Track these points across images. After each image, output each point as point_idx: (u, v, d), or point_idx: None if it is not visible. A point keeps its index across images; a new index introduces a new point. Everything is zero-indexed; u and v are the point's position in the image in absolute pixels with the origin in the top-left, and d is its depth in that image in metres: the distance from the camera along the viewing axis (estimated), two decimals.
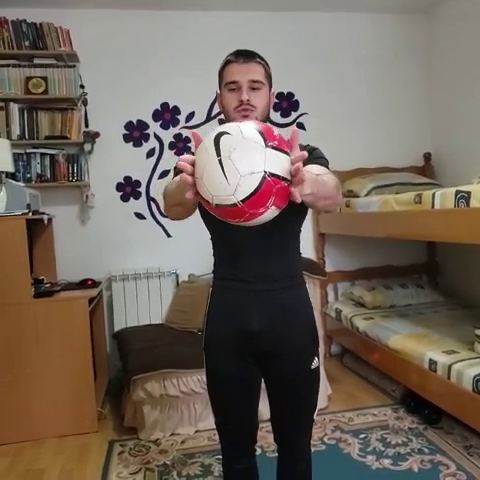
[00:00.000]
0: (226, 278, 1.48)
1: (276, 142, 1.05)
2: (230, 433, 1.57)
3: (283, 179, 1.04)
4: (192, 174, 1.09)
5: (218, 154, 1.03)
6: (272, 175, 1.02)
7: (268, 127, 1.09)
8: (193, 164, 1.09)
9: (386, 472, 2.30)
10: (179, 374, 2.73)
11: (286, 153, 1.06)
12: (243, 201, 1.03)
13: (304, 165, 1.07)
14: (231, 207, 1.04)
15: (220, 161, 1.03)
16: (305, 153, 1.05)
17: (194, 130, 1.15)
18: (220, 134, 1.06)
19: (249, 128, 1.06)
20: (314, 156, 1.43)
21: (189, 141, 3.70)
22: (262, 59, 1.44)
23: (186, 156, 1.11)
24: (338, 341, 3.98)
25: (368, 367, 3.42)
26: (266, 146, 1.03)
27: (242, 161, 1.02)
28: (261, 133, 1.05)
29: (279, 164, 1.04)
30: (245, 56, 1.40)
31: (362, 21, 4.01)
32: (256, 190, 1.02)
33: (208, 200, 1.07)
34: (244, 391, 1.51)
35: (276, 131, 1.09)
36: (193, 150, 1.19)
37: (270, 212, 1.07)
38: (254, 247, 1.41)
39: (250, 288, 1.43)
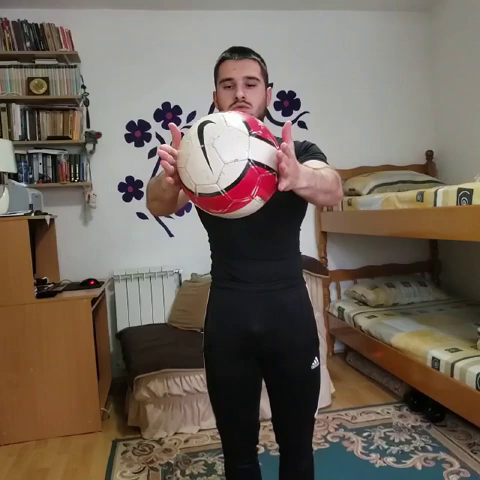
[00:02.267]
0: (225, 279, 1.47)
1: (260, 131, 1.04)
2: (232, 434, 1.56)
3: (268, 168, 1.03)
4: (173, 163, 1.08)
5: (201, 142, 1.02)
6: (256, 163, 1.01)
7: (252, 117, 1.09)
8: (174, 154, 1.08)
9: (390, 470, 2.30)
10: (182, 373, 2.73)
11: (271, 143, 1.05)
12: (227, 189, 1.01)
13: (298, 161, 1.06)
14: (214, 196, 1.03)
15: (203, 149, 1.02)
16: (285, 143, 1.01)
17: (172, 123, 1.14)
18: (204, 123, 1.05)
19: (233, 117, 1.06)
20: (312, 152, 1.42)
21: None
22: (257, 56, 1.41)
23: (167, 145, 1.10)
24: (341, 340, 3.98)
25: (371, 365, 3.42)
26: (250, 134, 1.02)
27: (226, 149, 1.01)
28: (245, 122, 1.04)
29: (263, 153, 1.03)
30: (240, 53, 1.38)
31: (363, 19, 4.00)
32: (240, 178, 1.00)
33: (191, 189, 1.06)
34: (245, 392, 1.50)
35: (260, 122, 1.09)
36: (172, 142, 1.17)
37: (254, 203, 1.05)
38: (252, 247, 1.40)
39: (250, 289, 1.42)
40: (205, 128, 1.04)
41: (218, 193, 1.02)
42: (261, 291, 1.42)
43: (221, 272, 1.49)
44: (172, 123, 1.15)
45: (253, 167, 1.01)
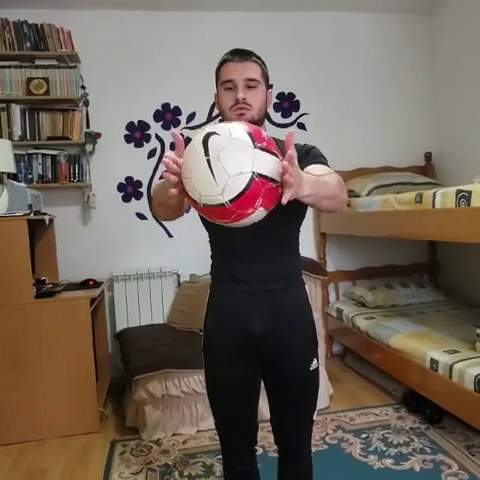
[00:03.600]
0: (225, 280, 1.47)
1: (264, 143, 1.05)
2: (230, 435, 1.56)
3: (271, 180, 1.04)
4: (177, 173, 1.09)
5: (206, 154, 1.03)
6: (260, 176, 1.02)
7: (257, 129, 1.09)
8: (178, 163, 1.09)
9: (388, 472, 2.30)
10: (181, 374, 2.73)
11: (274, 155, 1.06)
12: (231, 201, 1.03)
13: (300, 166, 1.06)
14: (218, 207, 1.04)
15: (208, 161, 1.03)
16: (291, 152, 1.02)
17: (174, 131, 1.15)
18: (208, 134, 1.06)
19: (238, 129, 1.06)
20: (313, 155, 1.41)
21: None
22: (258, 58, 1.42)
23: (171, 154, 1.11)
24: (339, 341, 3.98)
25: (369, 366, 3.42)
26: (255, 147, 1.03)
27: (230, 161, 1.02)
28: (250, 134, 1.05)
29: (267, 165, 1.04)
30: (241, 55, 1.39)
31: (364, 21, 4.01)
32: (244, 190, 1.02)
33: (196, 200, 1.07)
34: (244, 393, 1.50)
35: (264, 133, 1.09)
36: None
37: (258, 213, 1.07)
38: (253, 248, 1.41)
39: (250, 289, 1.43)
40: (210, 140, 1.05)
41: (222, 204, 1.03)
42: (261, 291, 1.43)
43: (222, 272, 1.49)
44: (174, 130, 1.15)
45: (257, 179, 1.02)
